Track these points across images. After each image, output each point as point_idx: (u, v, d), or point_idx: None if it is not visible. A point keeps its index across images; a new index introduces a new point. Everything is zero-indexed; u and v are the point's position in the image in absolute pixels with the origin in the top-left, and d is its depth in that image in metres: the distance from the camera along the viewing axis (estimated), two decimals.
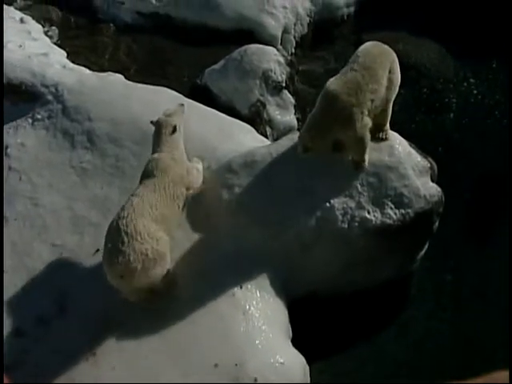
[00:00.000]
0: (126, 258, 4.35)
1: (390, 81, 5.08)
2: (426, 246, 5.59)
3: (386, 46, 5.18)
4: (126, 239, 4.37)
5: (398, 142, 5.31)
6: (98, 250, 5.11)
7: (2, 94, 6.29)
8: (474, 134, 7.26)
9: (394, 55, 5.18)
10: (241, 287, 4.80)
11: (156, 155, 4.88)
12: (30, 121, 6.17)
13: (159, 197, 4.63)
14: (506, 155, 6.89)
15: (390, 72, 5.06)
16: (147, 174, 4.79)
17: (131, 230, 4.39)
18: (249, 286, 4.82)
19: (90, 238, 5.23)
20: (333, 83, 4.88)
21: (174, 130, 4.98)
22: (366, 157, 5.09)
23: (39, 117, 6.18)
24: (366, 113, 4.89)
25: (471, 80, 7.93)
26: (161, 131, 4.98)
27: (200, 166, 5.23)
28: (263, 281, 4.89)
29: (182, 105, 5.24)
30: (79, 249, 5.17)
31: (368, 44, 5.19)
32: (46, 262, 5.09)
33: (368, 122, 4.93)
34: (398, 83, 5.21)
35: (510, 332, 5.11)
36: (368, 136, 4.97)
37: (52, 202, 5.50)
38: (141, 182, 4.77)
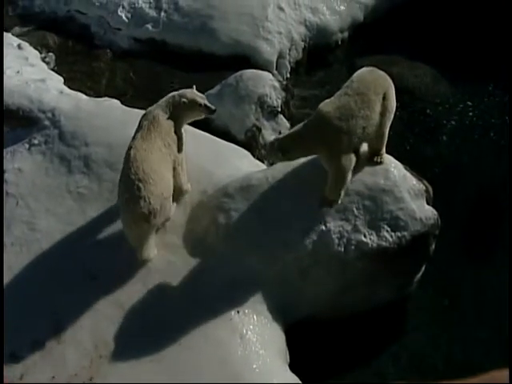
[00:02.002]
0: (146, 202, 4.69)
1: (385, 107, 5.02)
2: (423, 269, 5.59)
3: (381, 72, 5.15)
4: (140, 185, 4.68)
5: (393, 165, 5.34)
6: (94, 275, 5.10)
7: (2, 115, 6.33)
8: (468, 156, 7.30)
9: (390, 81, 5.14)
10: (238, 312, 4.79)
11: (150, 109, 5.16)
12: (27, 146, 6.19)
13: (152, 142, 4.91)
14: (501, 176, 6.92)
15: (384, 98, 5.01)
16: (138, 128, 5.06)
17: (142, 175, 4.70)
18: (246, 311, 4.81)
19: (87, 263, 5.21)
20: (326, 105, 4.88)
21: (192, 102, 5.18)
22: (341, 196, 5.08)
23: (36, 142, 6.20)
24: (356, 140, 4.90)
25: (466, 102, 7.99)
26: (175, 102, 5.19)
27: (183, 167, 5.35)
28: (260, 305, 4.88)
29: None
30: (75, 274, 5.15)
31: (364, 69, 5.18)
32: (43, 287, 5.08)
33: (353, 158, 4.94)
34: (394, 110, 5.18)
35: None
36: (349, 175, 4.99)
37: (49, 226, 5.50)
38: (134, 138, 5.00)
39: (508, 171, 6.91)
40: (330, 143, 4.82)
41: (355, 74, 5.10)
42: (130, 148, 4.90)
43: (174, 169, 5.15)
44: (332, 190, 5.05)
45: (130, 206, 4.72)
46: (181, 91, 5.30)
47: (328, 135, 4.80)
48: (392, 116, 5.18)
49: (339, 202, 5.09)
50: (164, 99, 5.25)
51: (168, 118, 5.14)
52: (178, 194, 5.32)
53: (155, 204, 4.74)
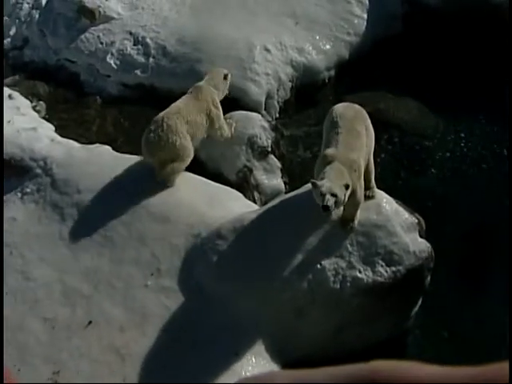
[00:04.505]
0: (165, 136, 5.86)
1: (368, 137, 5.25)
2: (420, 303, 5.58)
3: (357, 106, 5.40)
4: (164, 127, 5.89)
5: (384, 200, 5.38)
6: (90, 322, 5.07)
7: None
8: (459, 188, 7.34)
9: (365, 112, 5.38)
10: (236, 354, 4.76)
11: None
12: (20, 195, 6.20)
13: (193, 106, 6.11)
14: (493, 207, 6.96)
15: (366, 129, 5.24)
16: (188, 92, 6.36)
17: (169, 123, 5.91)
18: (244, 353, 4.78)
19: (82, 310, 5.19)
20: (331, 149, 5.00)
21: (225, 76, 6.57)
22: (358, 217, 5.16)
23: (28, 190, 6.21)
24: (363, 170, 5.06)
25: (454, 134, 8.06)
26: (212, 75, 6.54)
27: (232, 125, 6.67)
28: (258, 347, 4.86)
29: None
30: (71, 322, 5.12)
31: (340, 106, 5.38)
32: (38, 337, 5.04)
33: (362, 182, 5.06)
34: (373, 138, 5.39)
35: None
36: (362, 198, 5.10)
37: (43, 275, 5.48)
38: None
39: (500, 201, 6.96)
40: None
41: (335, 113, 5.22)
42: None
43: (213, 122, 6.24)
44: (349, 212, 5.12)
45: (152, 138, 5.89)
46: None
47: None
48: (373, 146, 5.35)
49: (356, 222, 5.14)
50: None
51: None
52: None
53: (173, 139, 5.85)
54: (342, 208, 5.01)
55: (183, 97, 6.30)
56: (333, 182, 4.67)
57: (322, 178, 4.72)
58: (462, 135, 8.03)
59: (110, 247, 5.56)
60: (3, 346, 4.47)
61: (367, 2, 8.95)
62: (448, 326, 5.88)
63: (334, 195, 4.62)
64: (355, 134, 5.07)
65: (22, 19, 9.07)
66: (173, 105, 6.16)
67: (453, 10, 8.86)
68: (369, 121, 5.35)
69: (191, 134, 6.01)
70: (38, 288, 5.39)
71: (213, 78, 6.51)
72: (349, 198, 4.86)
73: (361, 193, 5.04)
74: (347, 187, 4.71)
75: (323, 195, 4.62)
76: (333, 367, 1.05)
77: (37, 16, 9.04)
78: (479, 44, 8.73)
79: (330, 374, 1.04)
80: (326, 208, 4.65)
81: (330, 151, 4.96)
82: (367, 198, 5.31)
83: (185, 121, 5.98)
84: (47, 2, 9.13)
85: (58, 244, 5.70)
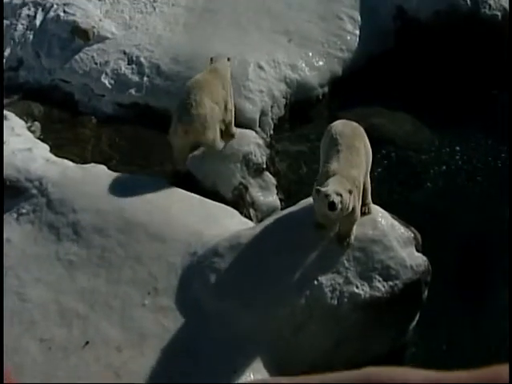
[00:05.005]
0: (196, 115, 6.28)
1: (366, 154, 5.29)
2: (417, 317, 5.57)
3: (354, 123, 5.45)
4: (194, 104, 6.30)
5: (380, 215, 5.39)
6: (87, 343, 5.05)
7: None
8: (455, 201, 7.36)
9: (363, 129, 5.42)
10: (235, 371, 4.75)
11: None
12: (15, 216, 6.19)
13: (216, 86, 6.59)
14: (489, 220, 6.98)
15: (364, 146, 5.28)
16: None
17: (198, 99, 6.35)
18: (242, 370, 4.77)
19: (79, 330, 5.17)
20: (333, 164, 5.02)
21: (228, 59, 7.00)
22: (354, 232, 5.16)
23: (24, 211, 6.20)
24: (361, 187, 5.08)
25: (448, 148, 8.09)
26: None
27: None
28: (257, 364, 4.84)
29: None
30: (68, 342, 5.10)
31: (338, 123, 5.40)
32: (35, 358, 5.01)
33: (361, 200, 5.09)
34: (371, 155, 5.42)
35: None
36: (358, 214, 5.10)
37: (39, 296, 5.46)
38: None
39: (495, 214, 6.98)
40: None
41: (334, 130, 5.25)
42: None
43: (226, 108, 6.63)
44: (346, 228, 5.13)
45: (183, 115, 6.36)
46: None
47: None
48: (370, 162, 5.37)
49: (352, 238, 5.14)
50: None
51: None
52: (226, 135, 6.75)
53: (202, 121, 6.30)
54: (345, 211, 4.93)
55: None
56: (337, 186, 4.71)
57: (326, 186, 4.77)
58: (457, 148, 8.07)
59: (106, 267, 5.55)
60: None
61: (359, 19, 9.03)
62: (446, 338, 5.87)
63: (339, 194, 4.64)
64: (355, 151, 5.12)
65: (17, 40, 9.11)
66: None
67: (444, 24, 8.94)
68: (366, 138, 5.40)
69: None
70: (35, 309, 5.37)
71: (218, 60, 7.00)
72: (347, 214, 4.88)
73: (359, 210, 5.06)
74: (350, 192, 4.73)
75: (328, 195, 4.63)
76: (331, 373, 1.07)
77: (31, 37, 9.09)
78: (471, 57, 8.80)
79: (329, 378, 1.06)
80: (333, 205, 4.62)
81: (332, 166, 4.98)
82: (363, 214, 5.33)
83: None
84: (41, 23, 9.17)
85: (54, 264, 5.68)
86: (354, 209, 4.90)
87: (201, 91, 6.42)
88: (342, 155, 5.04)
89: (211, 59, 7.01)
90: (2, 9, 7.74)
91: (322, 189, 4.71)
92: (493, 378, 1.01)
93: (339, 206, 4.66)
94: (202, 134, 6.37)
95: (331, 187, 4.70)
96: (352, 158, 5.05)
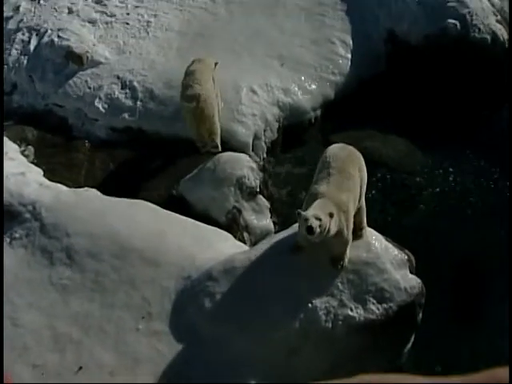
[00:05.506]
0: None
1: (361, 179, 5.25)
2: (412, 339, 5.56)
3: (351, 147, 5.40)
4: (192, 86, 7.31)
5: (373, 237, 5.40)
6: (80, 368, 5.01)
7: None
8: (448, 223, 7.39)
9: (359, 154, 5.38)
10: None
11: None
12: (8, 240, 6.17)
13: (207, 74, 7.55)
14: (482, 241, 7.00)
15: (359, 170, 5.24)
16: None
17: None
18: None
19: (72, 355, 5.13)
20: (322, 186, 5.02)
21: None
22: (348, 255, 5.17)
23: (17, 235, 6.18)
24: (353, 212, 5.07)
25: (441, 170, 8.14)
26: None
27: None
28: None
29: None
30: (61, 368, 5.05)
31: (334, 147, 5.39)
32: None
33: (351, 224, 5.07)
34: (366, 180, 5.39)
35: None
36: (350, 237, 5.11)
37: (32, 321, 5.42)
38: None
39: (489, 234, 7.01)
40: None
41: (329, 153, 5.26)
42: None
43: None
44: (339, 251, 5.13)
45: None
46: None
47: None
48: (365, 187, 5.36)
49: (346, 261, 5.14)
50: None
51: None
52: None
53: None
54: (325, 234, 4.91)
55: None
56: (317, 210, 4.73)
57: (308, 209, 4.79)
58: (450, 170, 8.11)
59: (100, 291, 5.52)
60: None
61: (351, 43, 9.14)
62: (441, 360, 5.85)
63: (318, 219, 4.66)
64: (347, 175, 5.09)
65: (11, 65, 9.16)
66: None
67: (434, 47, 9.05)
68: (362, 162, 5.36)
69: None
70: (27, 334, 5.33)
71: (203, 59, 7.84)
72: (335, 237, 4.89)
73: (348, 233, 5.06)
74: (331, 215, 4.74)
75: (307, 219, 4.65)
76: (330, 380, 1.08)
77: (25, 62, 9.14)
78: (462, 80, 8.90)
79: None
80: (311, 229, 4.65)
81: (320, 189, 4.98)
82: (358, 237, 5.33)
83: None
84: (35, 48, 9.24)
85: (47, 289, 5.66)
86: (340, 232, 4.90)
87: (197, 74, 7.45)
88: (332, 178, 5.04)
89: (193, 61, 7.82)
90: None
91: (303, 212, 4.74)
92: (493, 380, 1.02)
93: (317, 229, 4.68)
94: (203, 101, 7.21)
95: (311, 211, 4.73)
96: (342, 182, 5.04)
